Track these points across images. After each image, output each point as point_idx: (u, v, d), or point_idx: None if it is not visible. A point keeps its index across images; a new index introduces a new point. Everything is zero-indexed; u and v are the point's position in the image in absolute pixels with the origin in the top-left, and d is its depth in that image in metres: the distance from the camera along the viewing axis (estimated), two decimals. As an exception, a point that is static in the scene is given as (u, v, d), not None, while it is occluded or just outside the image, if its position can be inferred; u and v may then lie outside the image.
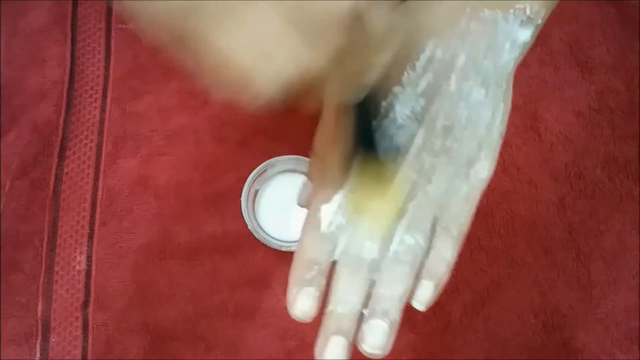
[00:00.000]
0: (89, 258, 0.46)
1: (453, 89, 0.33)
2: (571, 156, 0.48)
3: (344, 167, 0.33)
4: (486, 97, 0.33)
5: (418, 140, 0.33)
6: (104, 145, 0.48)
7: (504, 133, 0.34)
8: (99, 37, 0.50)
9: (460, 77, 0.33)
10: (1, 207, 0.46)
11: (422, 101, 0.33)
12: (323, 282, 0.32)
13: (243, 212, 0.44)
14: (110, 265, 0.45)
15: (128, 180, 0.47)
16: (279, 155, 0.46)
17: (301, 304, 0.32)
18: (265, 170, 0.46)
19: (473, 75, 0.33)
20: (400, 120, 0.33)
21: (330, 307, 0.32)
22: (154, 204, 0.47)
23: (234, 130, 0.48)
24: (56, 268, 0.45)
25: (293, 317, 0.32)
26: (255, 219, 0.45)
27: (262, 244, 0.45)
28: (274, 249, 0.44)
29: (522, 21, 0.34)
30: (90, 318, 0.44)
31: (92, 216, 0.46)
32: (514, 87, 0.36)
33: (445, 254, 0.33)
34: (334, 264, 0.33)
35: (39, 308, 0.45)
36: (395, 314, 0.31)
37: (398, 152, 0.33)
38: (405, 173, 0.33)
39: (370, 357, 0.31)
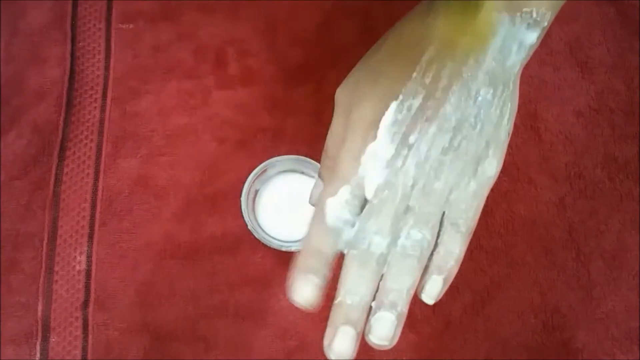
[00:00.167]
0: (89, 258, 0.46)
1: (462, 89, 0.34)
2: (571, 156, 0.48)
3: (354, 164, 0.33)
4: (494, 97, 0.34)
5: (428, 137, 0.33)
6: (104, 145, 0.48)
7: (511, 132, 0.35)
8: (99, 37, 0.50)
9: (469, 78, 0.34)
10: (1, 207, 0.46)
11: (430, 100, 0.34)
12: (326, 272, 0.33)
13: (243, 212, 0.44)
14: (110, 265, 0.45)
15: (128, 180, 0.47)
16: (279, 155, 0.46)
17: (301, 289, 0.33)
18: (265, 170, 0.46)
19: (481, 75, 0.34)
20: None
21: (339, 299, 0.32)
22: (154, 204, 0.47)
23: (234, 130, 0.48)
24: (56, 268, 0.45)
25: (292, 302, 0.33)
26: (255, 219, 0.45)
27: (262, 244, 0.45)
28: (274, 249, 0.44)
29: (528, 24, 0.34)
30: (90, 318, 0.44)
31: (92, 216, 0.46)
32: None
33: (453, 249, 0.33)
34: (341, 258, 0.33)
35: (39, 308, 0.45)
36: (403, 306, 0.32)
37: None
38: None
39: (377, 348, 0.32)
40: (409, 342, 0.44)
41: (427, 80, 0.34)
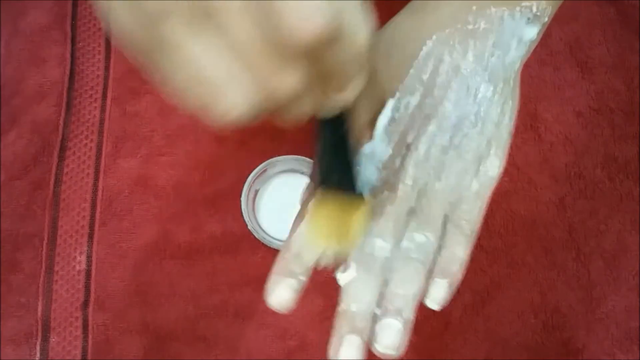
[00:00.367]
0: (89, 258, 0.46)
1: (461, 86, 0.33)
2: (571, 156, 0.48)
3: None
4: (494, 94, 0.33)
5: (427, 136, 0.33)
6: (104, 145, 0.48)
7: (512, 131, 0.34)
8: (99, 37, 0.50)
9: (468, 74, 0.33)
10: (1, 207, 0.46)
11: (428, 98, 0.33)
12: (305, 277, 0.32)
13: (243, 212, 0.44)
14: (110, 265, 0.45)
15: (128, 180, 0.47)
16: (279, 155, 0.46)
17: (279, 294, 0.31)
18: (265, 170, 0.46)
19: (480, 71, 0.33)
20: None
21: (343, 306, 0.31)
22: (154, 204, 0.47)
23: (234, 130, 0.48)
24: (56, 268, 0.45)
25: (269, 306, 0.32)
26: (255, 219, 0.45)
27: (262, 244, 0.45)
28: (274, 249, 0.44)
29: (528, 19, 0.34)
30: (90, 318, 0.44)
31: (92, 216, 0.46)
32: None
33: (458, 252, 0.32)
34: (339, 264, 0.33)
35: (39, 308, 0.45)
36: (409, 312, 0.31)
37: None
38: (408, 175, 0.33)
39: (383, 357, 0.31)
40: (409, 342, 0.44)
41: (425, 77, 0.33)
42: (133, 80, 0.49)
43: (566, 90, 0.49)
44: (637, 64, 0.49)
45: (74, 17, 0.51)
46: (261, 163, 0.45)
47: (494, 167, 0.34)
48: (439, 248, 0.32)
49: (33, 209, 0.46)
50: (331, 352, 0.31)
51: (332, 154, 0.30)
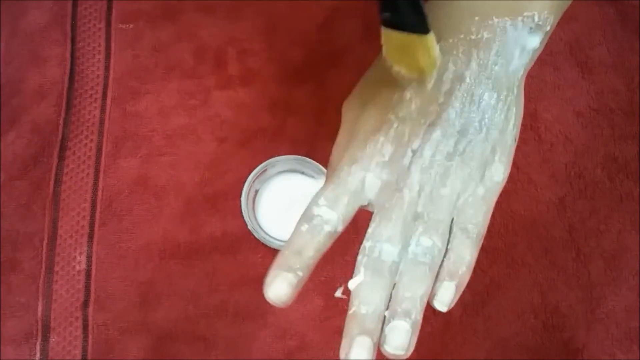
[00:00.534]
0: (89, 258, 0.46)
1: (465, 94, 0.33)
2: (571, 156, 0.48)
3: (353, 167, 0.33)
4: (498, 101, 0.34)
5: (432, 142, 0.33)
6: (104, 145, 0.48)
7: (517, 137, 0.35)
8: (99, 37, 0.50)
9: (472, 82, 0.34)
10: (1, 207, 0.46)
11: (432, 105, 0.34)
12: (305, 273, 0.32)
13: (243, 212, 0.44)
14: (110, 265, 0.45)
15: (128, 180, 0.47)
16: (279, 155, 0.46)
17: (277, 287, 0.32)
18: (265, 170, 0.46)
19: (484, 80, 0.34)
20: None
21: (353, 309, 0.32)
22: (154, 204, 0.47)
23: (234, 130, 0.48)
24: (56, 268, 0.45)
25: (266, 299, 0.32)
26: (255, 219, 0.45)
27: (262, 244, 0.45)
28: (274, 249, 0.44)
29: (530, 28, 0.34)
30: (90, 318, 0.44)
31: (92, 216, 0.46)
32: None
33: (464, 255, 0.33)
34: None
35: (39, 308, 0.45)
36: (417, 314, 0.31)
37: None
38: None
39: (392, 358, 0.31)
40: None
41: (429, 86, 0.34)
42: (133, 80, 0.49)
43: (566, 90, 0.49)
44: (637, 64, 0.49)
45: (74, 17, 0.51)
46: (261, 163, 0.45)
47: (498, 173, 0.34)
48: (446, 251, 0.33)
49: (33, 209, 0.46)
50: (342, 354, 0.31)
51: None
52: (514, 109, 0.34)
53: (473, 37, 0.34)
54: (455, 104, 0.33)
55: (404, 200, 0.33)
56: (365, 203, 0.34)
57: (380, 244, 0.33)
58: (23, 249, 0.46)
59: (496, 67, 0.34)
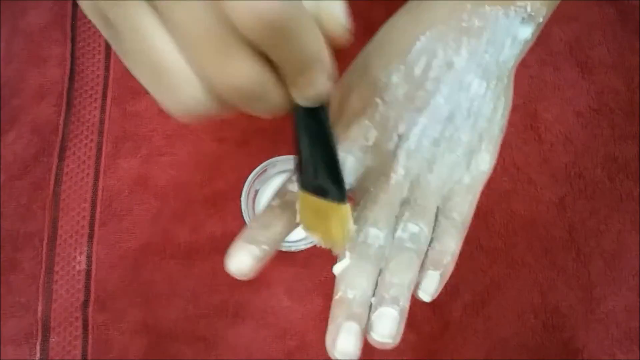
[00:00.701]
0: (89, 258, 0.46)
1: (454, 80, 0.33)
2: (571, 156, 0.48)
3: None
4: (487, 90, 0.34)
5: (418, 127, 0.33)
6: (104, 145, 0.48)
7: (504, 128, 0.35)
8: (99, 37, 0.50)
9: (461, 70, 0.33)
10: (1, 207, 0.46)
11: (420, 90, 0.33)
12: (269, 248, 0.32)
13: (243, 212, 0.44)
14: (110, 265, 0.46)
15: (128, 180, 0.47)
16: (279, 155, 0.46)
17: (239, 259, 0.31)
18: (265, 170, 0.46)
19: (474, 67, 0.34)
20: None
21: (339, 294, 0.31)
22: (154, 204, 0.47)
23: (234, 130, 0.48)
24: (56, 268, 0.45)
25: (227, 270, 0.31)
26: (255, 219, 0.45)
27: (262, 244, 0.45)
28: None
29: (523, 18, 0.34)
30: (90, 318, 0.44)
31: (92, 216, 0.46)
32: (513, 87, 0.36)
33: (449, 244, 0.33)
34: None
35: (39, 308, 0.45)
36: (405, 301, 0.31)
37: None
38: (401, 163, 0.33)
39: (380, 346, 0.30)
40: (409, 342, 0.44)
41: (418, 71, 0.34)
42: (133, 80, 0.49)
43: (566, 90, 0.49)
44: (637, 64, 0.49)
45: (74, 17, 0.51)
46: (261, 163, 0.45)
47: (484, 162, 0.34)
48: (431, 240, 0.33)
49: (33, 209, 0.46)
50: (328, 341, 0.30)
51: (312, 149, 0.29)
52: (503, 99, 0.34)
53: (464, 24, 0.34)
54: (444, 90, 0.33)
55: (389, 185, 0.33)
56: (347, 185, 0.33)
57: (366, 228, 0.32)
58: (23, 249, 0.46)
59: (486, 56, 0.34)
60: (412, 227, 0.32)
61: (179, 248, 0.46)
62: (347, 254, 0.32)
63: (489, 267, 0.45)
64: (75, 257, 0.46)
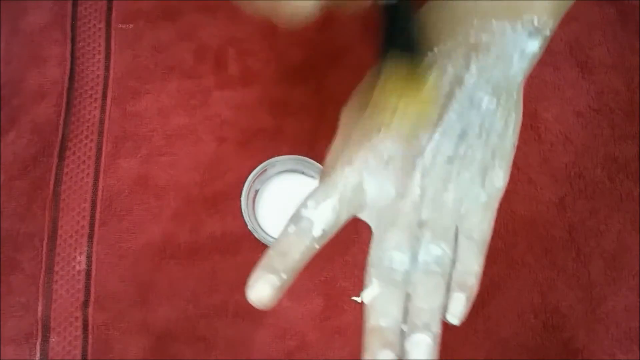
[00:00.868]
0: (89, 258, 0.46)
1: (465, 97, 0.33)
2: (571, 156, 0.48)
3: (348, 168, 0.33)
4: (498, 106, 0.34)
5: (433, 145, 0.33)
6: (104, 145, 0.48)
7: (516, 144, 0.35)
8: (99, 37, 0.50)
9: (471, 86, 0.33)
10: (1, 207, 0.46)
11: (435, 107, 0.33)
12: (289, 276, 0.32)
13: (243, 212, 0.44)
14: (110, 265, 0.45)
15: (128, 180, 0.47)
16: (279, 155, 0.46)
17: (259, 289, 0.31)
18: (265, 170, 0.46)
19: (483, 84, 0.33)
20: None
21: (372, 322, 0.31)
22: (154, 204, 0.47)
23: (234, 130, 0.48)
24: (56, 268, 0.45)
25: (248, 300, 0.31)
26: (255, 219, 0.45)
27: (262, 244, 0.44)
28: (274, 249, 0.44)
29: (530, 32, 0.34)
30: (90, 318, 0.44)
31: (92, 216, 0.46)
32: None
33: (472, 265, 0.32)
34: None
35: (39, 308, 0.45)
36: (436, 327, 0.31)
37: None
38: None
39: None
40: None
41: (429, 87, 0.33)
42: (133, 80, 0.49)
43: (566, 90, 0.49)
44: (637, 64, 0.49)
45: (74, 17, 0.51)
46: (261, 163, 0.45)
47: (499, 178, 0.34)
48: (453, 261, 0.32)
49: (33, 209, 0.46)
50: None
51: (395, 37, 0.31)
52: (514, 114, 0.34)
53: (472, 40, 0.34)
54: (455, 106, 0.33)
55: (407, 206, 0.32)
56: (359, 208, 0.33)
57: (389, 253, 0.32)
58: (23, 249, 0.46)
59: (495, 71, 0.33)
60: (435, 249, 0.32)
61: (179, 248, 0.46)
62: (374, 280, 0.32)
63: (489, 267, 0.45)
64: (75, 257, 0.46)
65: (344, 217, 0.33)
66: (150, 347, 0.44)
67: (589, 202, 0.47)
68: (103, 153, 0.48)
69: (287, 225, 0.33)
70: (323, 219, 0.32)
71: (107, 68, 0.50)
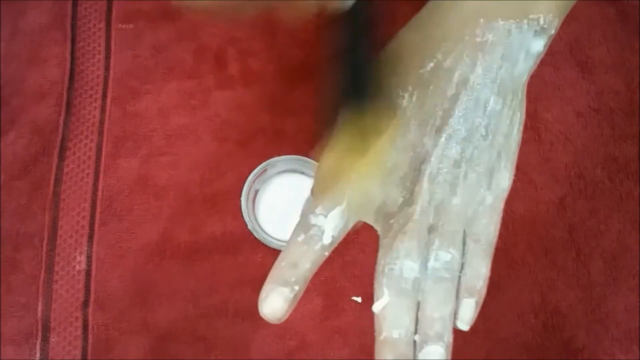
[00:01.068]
0: (89, 258, 0.46)
1: (470, 98, 0.33)
2: (571, 156, 0.48)
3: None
4: (503, 106, 0.33)
5: (439, 149, 0.33)
6: (104, 145, 0.48)
7: (520, 143, 0.34)
8: (99, 37, 0.50)
9: (477, 86, 0.33)
10: (1, 207, 0.46)
11: (437, 109, 0.33)
12: (299, 287, 0.31)
13: (243, 212, 0.44)
14: (110, 265, 0.45)
15: (128, 180, 0.47)
16: (279, 155, 0.46)
17: (272, 302, 0.31)
18: (265, 170, 0.46)
19: (489, 84, 0.33)
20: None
21: (384, 334, 0.30)
22: (154, 204, 0.47)
23: (234, 130, 0.48)
24: (56, 268, 0.45)
25: (261, 314, 0.31)
26: (255, 219, 0.45)
27: (262, 244, 0.45)
28: (274, 249, 0.44)
29: (535, 31, 0.34)
30: (90, 318, 0.44)
31: (92, 216, 0.46)
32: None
33: (480, 269, 0.32)
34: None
35: (39, 308, 0.45)
36: (449, 336, 0.31)
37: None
38: (427, 174, 0.32)
39: None
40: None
41: (434, 90, 0.33)
42: (133, 80, 0.49)
43: (566, 90, 0.49)
44: (637, 64, 0.49)
45: (74, 17, 0.51)
46: (261, 163, 0.45)
47: (504, 179, 0.34)
48: (462, 266, 0.32)
49: (33, 209, 0.46)
50: None
51: (350, 58, 0.29)
52: (519, 114, 0.34)
53: (478, 39, 0.33)
54: (461, 108, 0.33)
55: (416, 212, 0.32)
56: (367, 214, 0.33)
57: (400, 261, 0.31)
58: (23, 249, 0.46)
59: (501, 71, 0.33)
60: (444, 255, 0.32)
61: (179, 248, 0.46)
62: (385, 290, 0.31)
63: (489, 267, 0.45)
64: (75, 257, 0.46)
65: (352, 223, 0.33)
66: (150, 347, 0.44)
67: (589, 202, 0.47)
68: (103, 153, 0.48)
69: (296, 234, 0.32)
70: (333, 226, 0.32)
71: (107, 68, 0.50)
